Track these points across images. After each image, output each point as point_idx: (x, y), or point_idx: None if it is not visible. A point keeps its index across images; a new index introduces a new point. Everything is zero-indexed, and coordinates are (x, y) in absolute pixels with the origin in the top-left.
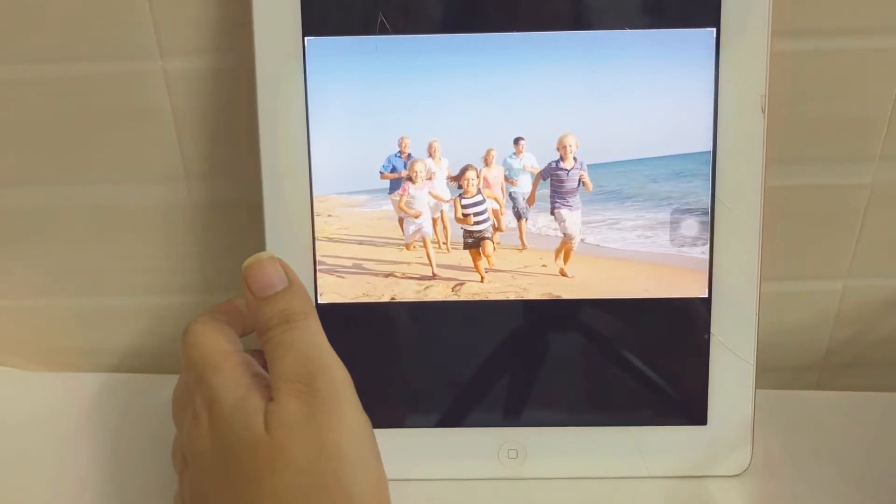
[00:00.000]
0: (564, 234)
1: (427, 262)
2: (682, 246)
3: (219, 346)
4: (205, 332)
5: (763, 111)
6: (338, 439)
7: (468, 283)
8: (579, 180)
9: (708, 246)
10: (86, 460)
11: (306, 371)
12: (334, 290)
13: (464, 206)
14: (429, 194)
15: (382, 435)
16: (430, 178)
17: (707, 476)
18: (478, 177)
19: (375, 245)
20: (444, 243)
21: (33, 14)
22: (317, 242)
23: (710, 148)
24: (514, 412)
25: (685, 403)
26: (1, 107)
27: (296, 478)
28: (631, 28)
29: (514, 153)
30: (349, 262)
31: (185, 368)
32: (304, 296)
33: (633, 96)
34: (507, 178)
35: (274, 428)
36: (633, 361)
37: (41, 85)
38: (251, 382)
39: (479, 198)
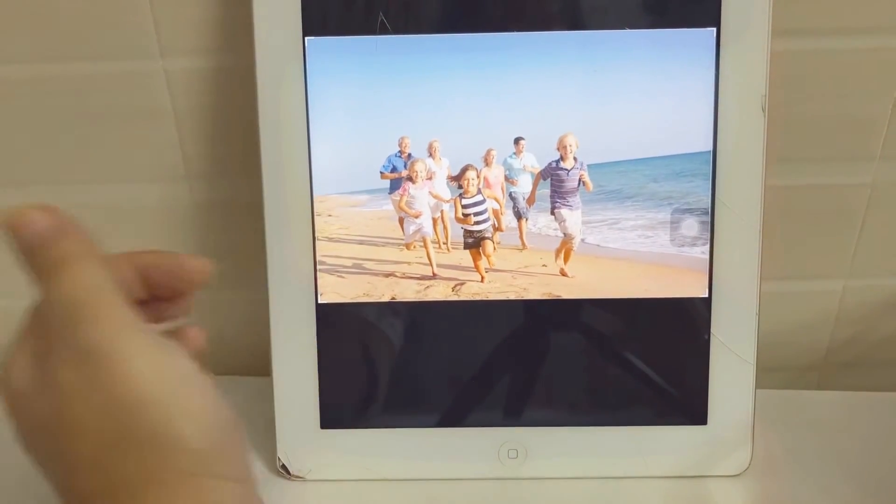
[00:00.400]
0: (564, 233)
1: (427, 261)
2: (683, 246)
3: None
4: None
5: (763, 111)
6: (127, 390)
7: (468, 283)
8: (579, 180)
9: (708, 246)
10: None
11: (69, 328)
12: (335, 290)
13: (464, 206)
14: (429, 194)
15: (384, 435)
16: (430, 178)
17: (707, 476)
18: (478, 177)
19: (376, 245)
20: (444, 243)
21: (35, 14)
22: (317, 242)
23: (710, 148)
24: (514, 412)
25: (685, 403)
26: (2, 106)
27: (96, 442)
28: (631, 28)
29: (515, 153)
30: (349, 262)
31: None
32: (77, 238)
33: (634, 96)
34: (507, 178)
35: (54, 405)
36: (633, 361)
37: (43, 84)
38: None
39: (479, 198)
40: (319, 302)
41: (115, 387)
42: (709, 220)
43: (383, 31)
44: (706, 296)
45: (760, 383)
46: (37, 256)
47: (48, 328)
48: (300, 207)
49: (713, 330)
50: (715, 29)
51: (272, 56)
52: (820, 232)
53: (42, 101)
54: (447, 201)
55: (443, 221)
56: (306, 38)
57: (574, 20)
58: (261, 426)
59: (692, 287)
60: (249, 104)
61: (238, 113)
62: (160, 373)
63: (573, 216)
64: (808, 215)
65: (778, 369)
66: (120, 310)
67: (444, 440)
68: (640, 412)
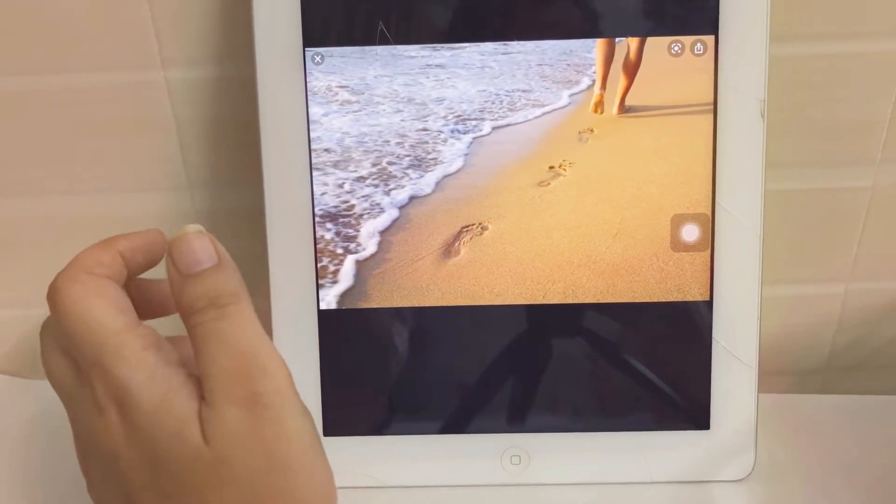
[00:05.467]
0: None
1: None
2: (684, 250)
3: (110, 322)
4: (86, 297)
5: (762, 116)
6: (286, 451)
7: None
8: None
9: (709, 250)
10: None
11: (245, 372)
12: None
13: None
14: None
15: (386, 442)
16: None
17: (710, 481)
18: None
19: None
20: None
21: (37, 25)
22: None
23: (710, 153)
24: (516, 417)
25: (688, 408)
26: (5, 118)
27: (242, 492)
28: (630, 35)
29: None
30: None
31: (65, 338)
32: (234, 275)
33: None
34: None
35: (214, 440)
36: (635, 366)
37: (44, 96)
38: (168, 374)
39: None
40: (321, 308)
41: (277, 444)
42: (710, 224)
43: (383, 41)
44: (708, 300)
45: (763, 387)
46: (194, 283)
47: (204, 359)
48: (302, 216)
49: (715, 334)
50: (713, 36)
51: (273, 66)
52: (821, 235)
53: (44, 112)
54: None
55: None
56: (306, 49)
57: (574, 29)
58: None
59: (693, 291)
60: (251, 113)
61: (239, 122)
62: (307, 442)
63: None
64: (808, 219)
65: (780, 373)
66: (281, 364)
67: (447, 446)
68: (642, 417)
